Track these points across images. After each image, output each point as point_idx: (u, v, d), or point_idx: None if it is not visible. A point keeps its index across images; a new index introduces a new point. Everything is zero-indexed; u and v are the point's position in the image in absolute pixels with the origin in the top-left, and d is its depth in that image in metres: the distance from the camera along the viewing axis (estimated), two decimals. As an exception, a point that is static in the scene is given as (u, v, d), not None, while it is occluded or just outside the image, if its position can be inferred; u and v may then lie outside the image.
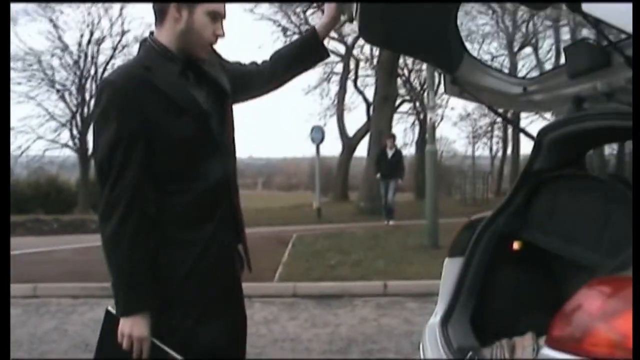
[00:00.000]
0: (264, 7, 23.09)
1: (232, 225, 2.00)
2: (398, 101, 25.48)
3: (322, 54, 2.29)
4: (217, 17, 1.91)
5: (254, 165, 54.15)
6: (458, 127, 38.07)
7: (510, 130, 33.10)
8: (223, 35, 1.94)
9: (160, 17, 1.90)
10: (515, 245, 2.77)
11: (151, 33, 1.96)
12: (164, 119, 1.81)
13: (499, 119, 33.55)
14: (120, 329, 1.81)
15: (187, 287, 1.88)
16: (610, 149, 15.87)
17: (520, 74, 15.99)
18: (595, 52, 2.04)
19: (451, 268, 2.84)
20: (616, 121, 2.12)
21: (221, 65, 2.08)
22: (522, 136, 31.05)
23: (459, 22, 2.50)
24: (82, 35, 28.02)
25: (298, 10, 23.06)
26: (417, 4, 2.25)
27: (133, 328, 1.79)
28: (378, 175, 13.58)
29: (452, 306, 2.74)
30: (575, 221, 2.37)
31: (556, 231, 2.47)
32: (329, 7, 2.25)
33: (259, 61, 2.27)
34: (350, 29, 25.67)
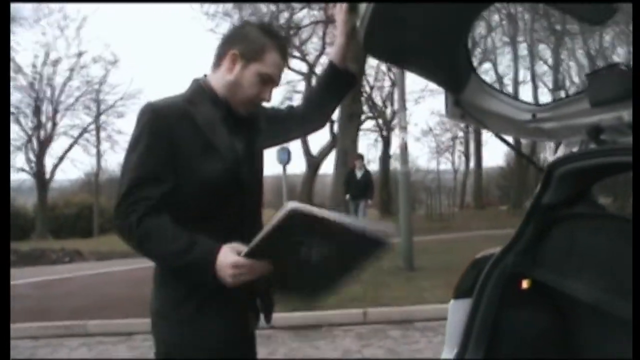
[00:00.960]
0: (226, 28, 22.75)
1: None
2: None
3: (347, 80, 2.22)
4: (268, 82, 1.89)
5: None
6: (421, 142, 38.37)
7: (472, 145, 33.56)
8: (268, 100, 1.93)
9: (216, 61, 1.91)
10: (524, 284, 2.59)
11: (204, 75, 1.95)
12: (194, 155, 1.77)
13: (460, 134, 34.00)
14: (223, 278, 1.66)
15: (197, 324, 1.78)
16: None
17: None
18: (628, 79, 1.86)
19: (458, 310, 2.64)
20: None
21: (261, 110, 2.03)
22: (483, 150, 31.53)
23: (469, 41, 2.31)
24: (36, 56, 27.35)
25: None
26: (430, 18, 2.04)
27: (220, 264, 1.65)
28: (347, 196, 13.39)
29: (463, 351, 2.55)
30: (599, 265, 2.19)
31: (575, 273, 2.29)
32: (339, 34, 2.15)
33: (294, 105, 2.26)
34: (312, 47, 25.78)
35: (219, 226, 1.79)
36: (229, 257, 1.64)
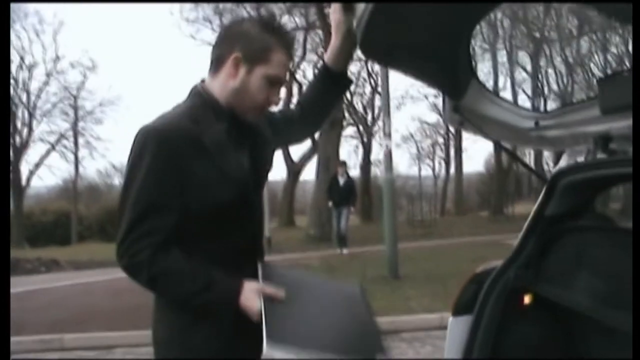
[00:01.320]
0: (207, 34, 22.54)
1: None
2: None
3: (342, 82, 2.08)
4: (276, 83, 1.74)
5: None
6: (401, 148, 38.42)
7: (452, 151, 33.67)
8: (278, 102, 1.79)
9: (215, 66, 1.74)
10: (527, 299, 2.47)
11: (202, 80, 1.78)
12: (203, 180, 1.63)
13: (440, 140, 34.10)
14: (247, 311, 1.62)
15: (209, 351, 1.67)
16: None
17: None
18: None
19: (457, 328, 2.50)
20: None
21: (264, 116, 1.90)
22: (464, 156, 31.68)
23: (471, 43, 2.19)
24: (11, 61, 26.88)
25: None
26: (432, 19, 1.91)
27: (247, 307, 1.61)
28: (330, 203, 13.27)
29: (463, 371, 2.42)
30: (608, 280, 2.08)
31: (582, 289, 2.17)
32: (334, 35, 2.00)
33: (287, 109, 2.18)
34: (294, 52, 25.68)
35: (232, 249, 1.71)
36: (256, 304, 1.59)
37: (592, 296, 2.12)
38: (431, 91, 28.90)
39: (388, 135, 8.97)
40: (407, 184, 36.17)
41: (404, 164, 49.91)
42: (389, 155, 8.91)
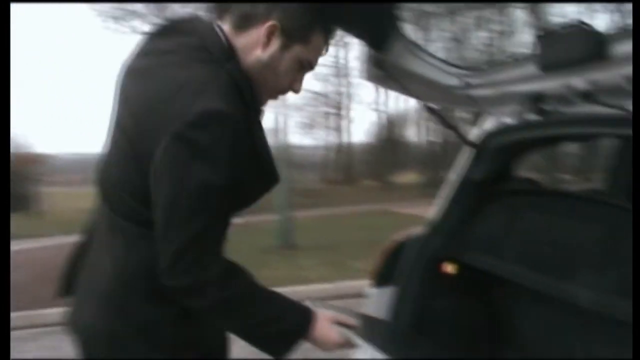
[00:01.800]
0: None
1: None
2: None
3: None
4: (305, 69, 1.48)
5: (74, 160, 50.70)
6: (289, 117, 38.14)
7: (339, 121, 34.07)
8: (299, 91, 1.50)
9: (241, 24, 1.39)
10: (450, 268, 2.38)
11: (220, 29, 1.40)
12: (255, 177, 1.40)
13: (327, 109, 34.39)
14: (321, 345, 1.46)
15: (206, 344, 1.47)
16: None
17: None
18: (591, 40, 1.65)
19: (379, 300, 2.38)
20: (597, 128, 1.80)
21: None
22: (351, 126, 32.13)
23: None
24: None
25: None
26: None
27: (324, 338, 1.45)
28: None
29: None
30: (541, 245, 2.01)
31: (514, 255, 2.09)
32: None
33: None
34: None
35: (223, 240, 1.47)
36: (334, 333, 1.45)
37: (523, 262, 2.04)
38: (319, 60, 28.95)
39: (283, 102, 8.81)
40: (294, 153, 36.19)
41: (291, 133, 49.97)
42: (283, 123, 8.76)
